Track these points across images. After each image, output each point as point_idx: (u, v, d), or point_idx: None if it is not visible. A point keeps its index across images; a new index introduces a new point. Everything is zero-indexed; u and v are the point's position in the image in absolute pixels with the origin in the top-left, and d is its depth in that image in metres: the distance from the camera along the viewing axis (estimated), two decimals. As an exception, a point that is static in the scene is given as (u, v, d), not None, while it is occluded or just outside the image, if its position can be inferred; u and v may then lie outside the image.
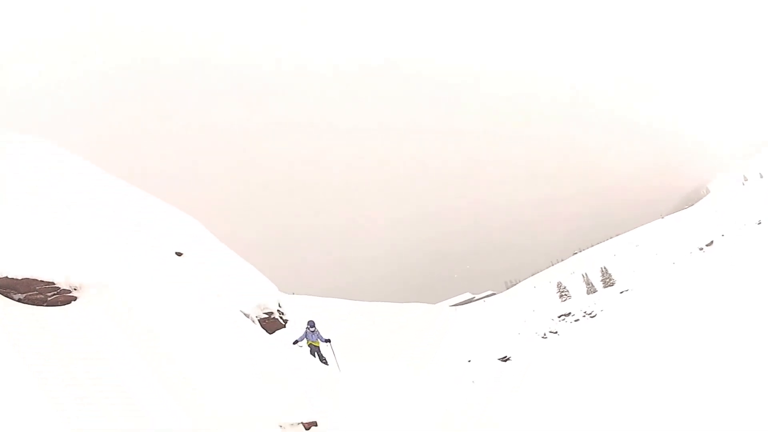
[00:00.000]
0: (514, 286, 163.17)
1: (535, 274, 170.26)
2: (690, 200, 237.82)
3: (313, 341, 17.54)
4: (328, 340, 17.87)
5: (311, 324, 17.78)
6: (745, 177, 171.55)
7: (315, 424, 6.29)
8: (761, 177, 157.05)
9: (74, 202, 9.45)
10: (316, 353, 17.17)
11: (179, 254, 11.43)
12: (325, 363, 16.88)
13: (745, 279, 38.70)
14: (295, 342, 17.21)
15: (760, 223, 74.34)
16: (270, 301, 14.36)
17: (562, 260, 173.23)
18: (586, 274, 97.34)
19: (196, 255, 11.95)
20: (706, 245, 78.94)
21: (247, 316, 12.38)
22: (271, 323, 14.50)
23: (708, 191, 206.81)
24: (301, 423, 6.17)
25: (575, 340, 42.89)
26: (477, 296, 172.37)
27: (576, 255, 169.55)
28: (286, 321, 15.15)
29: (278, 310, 14.70)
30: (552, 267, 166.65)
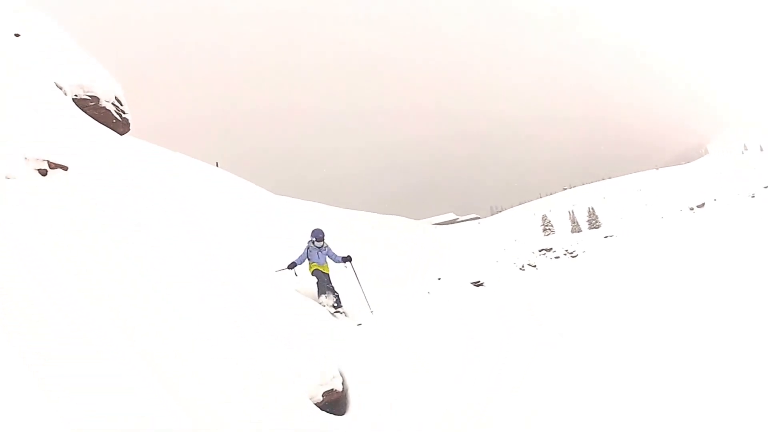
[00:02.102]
0: (499, 213, 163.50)
1: (522, 203, 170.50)
2: (686, 157, 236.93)
3: (320, 264, 11.64)
4: (348, 259, 11.93)
5: (317, 235, 11.77)
6: (745, 146, 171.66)
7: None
8: (761, 150, 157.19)
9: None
10: (325, 288, 11.41)
11: (17, 35, 11.47)
12: (338, 307, 11.31)
13: (732, 243, 38.08)
14: (292, 266, 11.43)
15: (753, 196, 74.24)
16: (100, 87, 12.66)
17: (551, 194, 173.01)
18: (572, 212, 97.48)
19: (36, 39, 11.95)
20: (698, 206, 78.65)
21: (60, 88, 11.15)
22: (104, 115, 12.63)
23: (707, 152, 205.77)
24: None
25: (553, 276, 42.26)
26: (461, 218, 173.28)
27: (565, 191, 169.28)
28: (127, 121, 13.60)
29: (114, 104, 13.10)
30: (540, 199, 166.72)
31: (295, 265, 11.50)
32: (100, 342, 3.90)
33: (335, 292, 11.53)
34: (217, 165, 42.60)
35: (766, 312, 15.52)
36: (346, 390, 6.66)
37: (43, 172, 6.31)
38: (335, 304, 11.28)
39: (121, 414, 3.25)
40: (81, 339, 3.71)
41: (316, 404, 5.93)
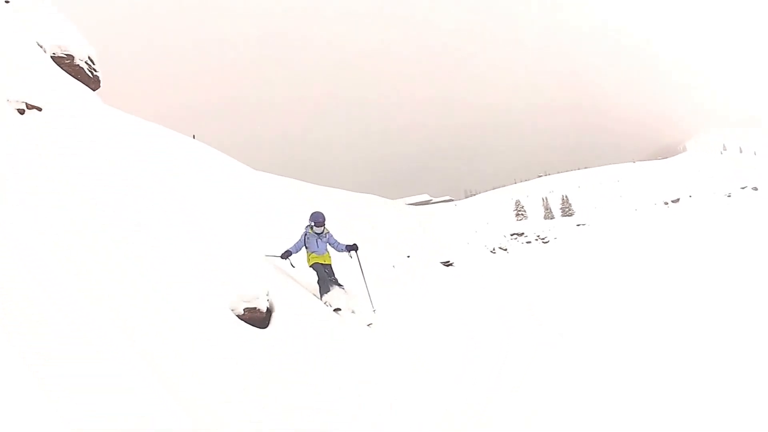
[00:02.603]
0: (474, 196, 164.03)
1: (497, 188, 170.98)
2: (664, 153, 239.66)
3: (320, 255, 10.03)
4: (353, 248, 10.38)
5: (317, 219, 10.04)
6: (724, 146, 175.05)
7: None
8: (741, 152, 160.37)
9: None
10: (328, 284, 9.82)
11: (7, 2, 13.09)
12: (340, 307, 9.55)
13: (705, 239, 38.72)
14: (286, 255, 9.75)
15: (730, 196, 76.15)
16: (75, 47, 14.42)
17: (526, 180, 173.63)
18: (546, 199, 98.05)
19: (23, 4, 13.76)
20: (672, 201, 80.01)
21: (40, 46, 12.77)
22: (78, 71, 14.19)
23: (685, 149, 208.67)
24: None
25: (523, 261, 42.52)
26: (435, 199, 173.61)
27: (540, 178, 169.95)
28: (98, 78, 15.38)
29: (87, 63, 14.82)
30: (514, 185, 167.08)
31: (290, 254, 9.80)
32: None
33: (340, 285, 9.97)
34: (194, 137, 41.37)
35: (745, 309, 15.85)
36: (271, 313, 7.03)
37: (21, 112, 7.53)
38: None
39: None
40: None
41: (237, 316, 6.42)
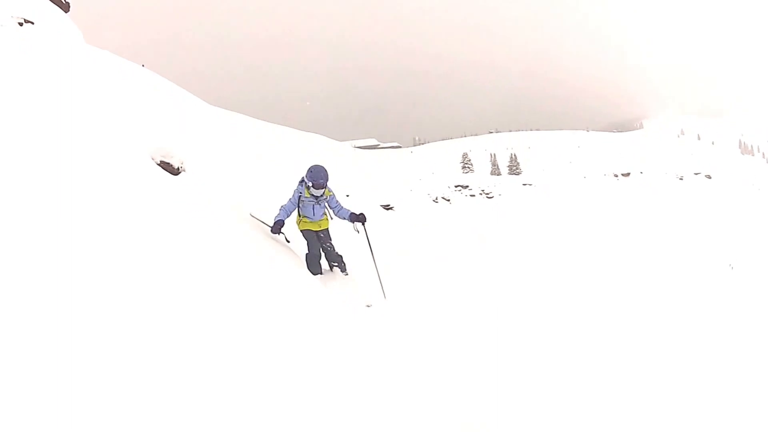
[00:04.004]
0: (422, 145, 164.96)
1: (445, 139, 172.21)
2: (620, 126, 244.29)
3: (315, 220, 8.46)
4: (360, 219, 8.37)
5: (316, 179, 8.05)
6: (682, 131, 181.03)
7: None
8: (699, 139, 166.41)
9: None
10: (318, 262, 8.44)
11: None
12: (343, 271, 8.64)
13: (652, 214, 39.90)
14: (278, 227, 8.01)
15: (682, 179, 79.06)
16: None
17: (476, 135, 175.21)
18: (494, 155, 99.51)
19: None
20: (623, 174, 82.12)
21: None
22: None
23: (641, 126, 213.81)
24: None
25: (465, 212, 43.21)
26: (383, 144, 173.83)
27: (491, 134, 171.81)
28: (68, 4, 17.26)
29: None
30: (464, 138, 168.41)
31: (282, 224, 8.06)
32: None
33: (339, 255, 8.65)
34: (143, 66, 40.18)
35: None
36: (181, 171, 7.73)
37: (21, 24, 10.13)
38: (341, 269, 8.67)
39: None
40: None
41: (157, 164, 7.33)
